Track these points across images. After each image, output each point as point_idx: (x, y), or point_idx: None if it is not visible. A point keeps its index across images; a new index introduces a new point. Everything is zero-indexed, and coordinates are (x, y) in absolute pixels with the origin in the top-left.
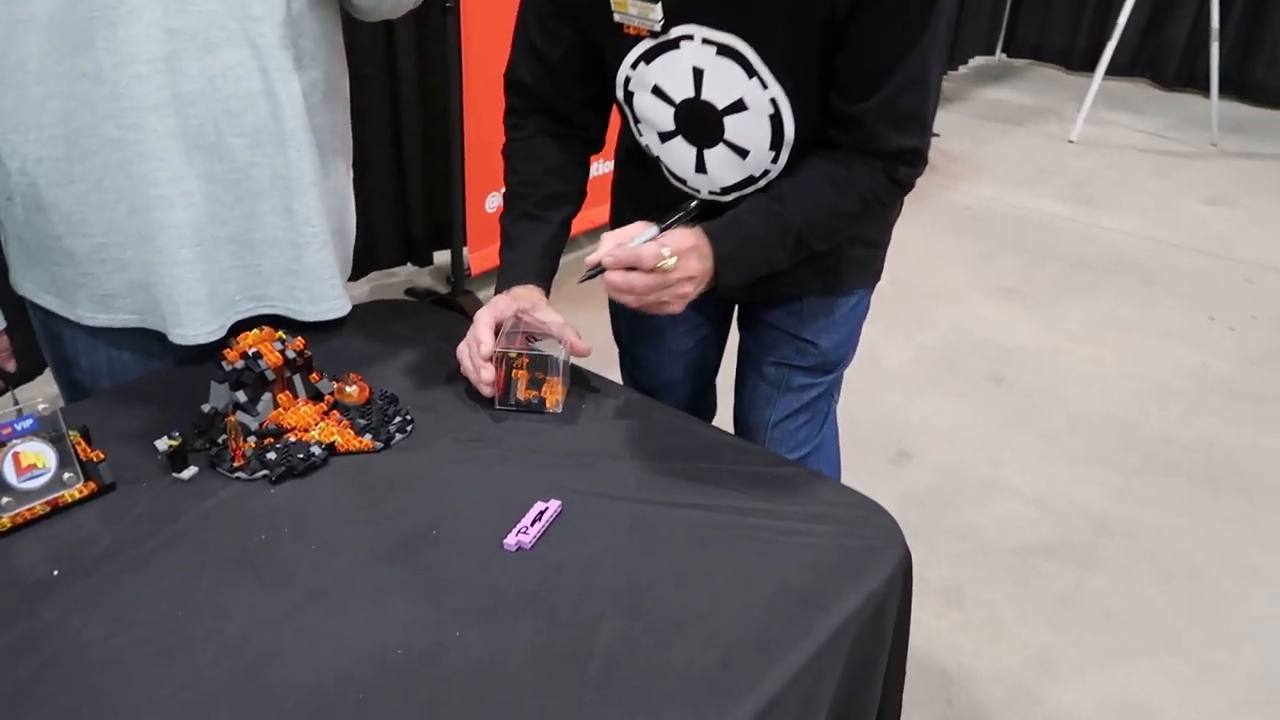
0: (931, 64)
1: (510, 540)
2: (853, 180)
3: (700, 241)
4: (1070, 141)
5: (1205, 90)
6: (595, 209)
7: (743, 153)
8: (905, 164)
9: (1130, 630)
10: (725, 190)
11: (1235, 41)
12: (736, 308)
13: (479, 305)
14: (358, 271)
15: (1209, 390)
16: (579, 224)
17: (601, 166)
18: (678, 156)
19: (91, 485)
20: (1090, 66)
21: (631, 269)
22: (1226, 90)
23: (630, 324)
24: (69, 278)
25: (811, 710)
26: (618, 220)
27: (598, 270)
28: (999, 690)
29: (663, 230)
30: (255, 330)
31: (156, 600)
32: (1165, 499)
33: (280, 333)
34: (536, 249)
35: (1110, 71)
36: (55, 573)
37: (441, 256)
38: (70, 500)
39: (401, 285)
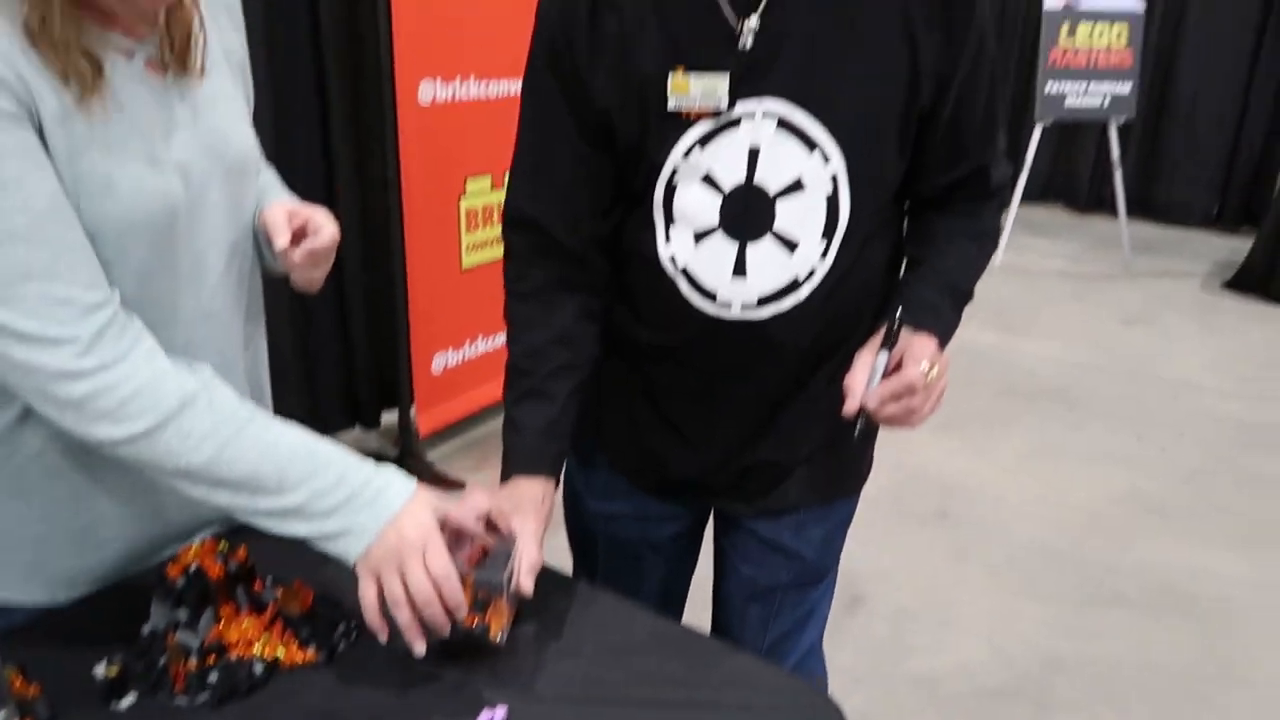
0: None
1: None
2: (984, 227)
3: (930, 341)
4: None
5: (1115, 213)
6: None
7: (791, 246)
8: (1006, 188)
9: None
10: (762, 301)
11: (1137, 166)
12: (712, 515)
13: (428, 468)
14: None
15: (1143, 513)
16: None
17: None
18: (713, 260)
19: None
20: None
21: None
22: (1134, 212)
23: (609, 554)
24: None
25: None
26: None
27: (862, 417)
28: None
29: (891, 349)
30: (196, 544)
31: None
32: (1114, 630)
33: (223, 543)
34: (539, 432)
35: (1025, 198)
36: None
37: (389, 417)
38: None
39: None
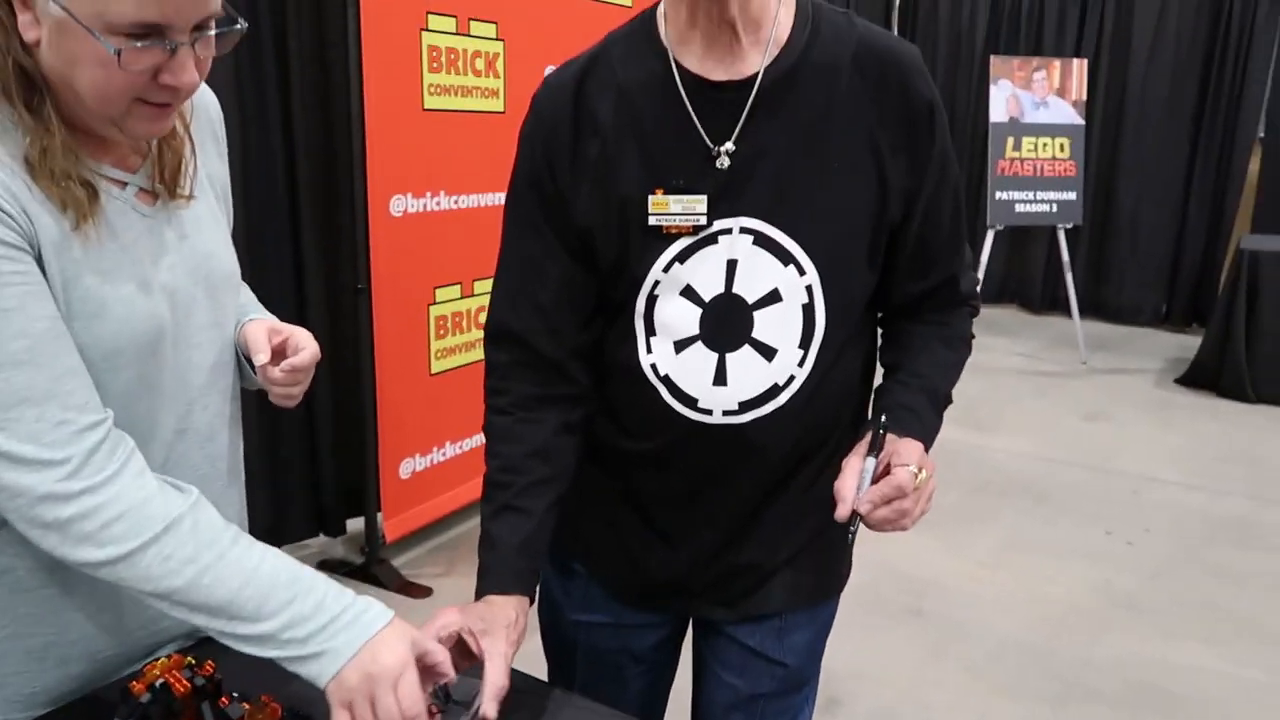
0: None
1: None
2: (956, 331)
3: (916, 445)
4: None
5: (1068, 313)
6: None
7: (769, 353)
8: (975, 298)
9: None
10: (743, 406)
11: (1086, 270)
12: (691, 623)
13: (395, 574)
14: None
15: (1115, 607)
16: None
17: None
18: (693, 369)
19: None
20: None
21: (890, 499)
22: (1086, 312)
23: (588, 664)
24: None
25: None
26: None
27: (855, 522)
28: None
29: (878, 455)
30: (164, 659)
31: None
32: None
33: (190, 658)
34: (514, 549)
35: (982, 299)
36: None
37: (355, 524)
38: None
39: (314, 557)
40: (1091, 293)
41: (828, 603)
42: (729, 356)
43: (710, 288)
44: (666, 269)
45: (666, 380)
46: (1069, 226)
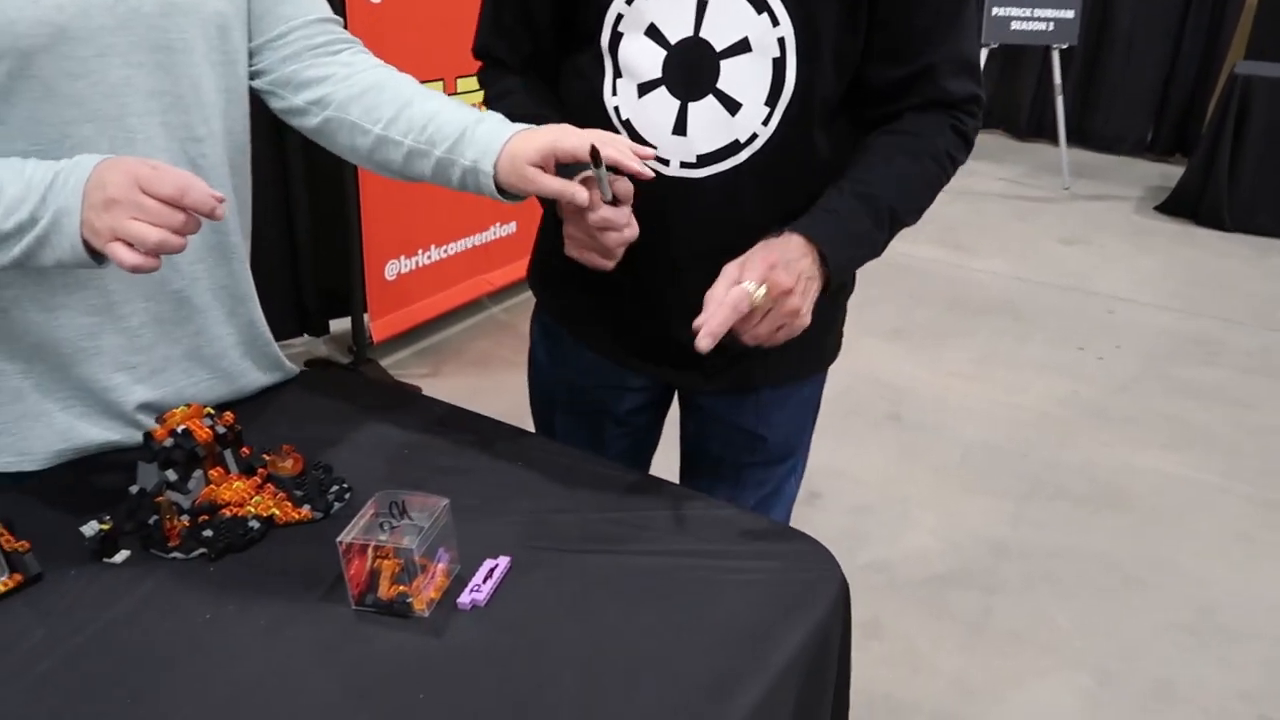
0: (972, 8)
1: (465, 599)
2: (925, 144)
3: (780, 253)
4: None
5: (1054, 140)
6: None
7: (734, 107)
8: (969, 114)
9: (1036, 650)
10: (701, 160)
11: (1075, 96)
12: (676, 395)
13: (383, 373)
14: None
15: (1083, 416)
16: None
17: (500, 230)
18: (654, 115)
19: (17, 577)
20: None
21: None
22: (1071, 140)
23: (570, 425)
24: None
25: None
26: (544, 268)
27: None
28: (922, 718)
29: (584, 178)
30: (182, 407)
31: (109, 688)
32: (1055, 521)
33: (208, 408)
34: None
35: None
36: None
37: (338, 325)
38: None
39: (299, 357)
40: (1078, 119)
41: (809, 380)
42: (691, 105)
43: (677, 29)
44: (630, 1)
45: (628, 125)
46: (1064, 47)
